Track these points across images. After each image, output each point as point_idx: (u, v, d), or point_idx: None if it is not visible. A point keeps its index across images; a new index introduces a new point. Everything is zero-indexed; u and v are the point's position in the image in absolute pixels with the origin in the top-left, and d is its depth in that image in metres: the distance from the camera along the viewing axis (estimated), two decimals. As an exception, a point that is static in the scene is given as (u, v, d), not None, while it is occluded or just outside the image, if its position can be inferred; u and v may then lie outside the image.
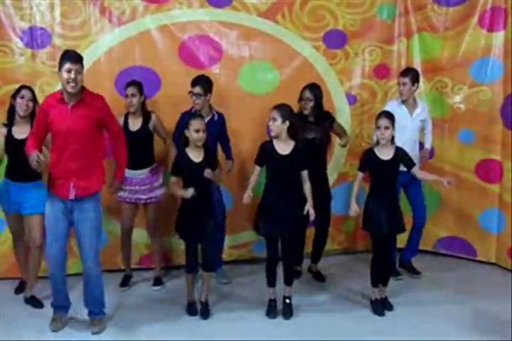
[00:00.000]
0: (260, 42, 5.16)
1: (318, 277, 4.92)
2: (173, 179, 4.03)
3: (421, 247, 5.14)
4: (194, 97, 4.48)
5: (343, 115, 5.40)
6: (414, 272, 4.97)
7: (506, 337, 3.70)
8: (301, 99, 4.65)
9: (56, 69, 4.57)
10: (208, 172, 3.95)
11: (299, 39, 5.25)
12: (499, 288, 4.71)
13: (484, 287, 4.75)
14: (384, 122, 4.06)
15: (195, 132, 3.92)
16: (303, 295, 4.48)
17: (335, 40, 5.35)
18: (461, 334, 3.79)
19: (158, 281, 4.73)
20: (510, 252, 5.09)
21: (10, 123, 4.17)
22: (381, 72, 5.54)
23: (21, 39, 4.64)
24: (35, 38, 4.64)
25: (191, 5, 4.97)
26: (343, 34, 5.37)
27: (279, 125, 3.91)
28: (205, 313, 4.09)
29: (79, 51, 4.57)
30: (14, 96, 4.13)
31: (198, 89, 4.48)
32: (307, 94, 4.63)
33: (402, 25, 5.54)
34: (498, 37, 5.15)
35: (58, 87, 4.50)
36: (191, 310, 4.14)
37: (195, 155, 3.99)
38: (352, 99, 5.48)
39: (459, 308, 4.24)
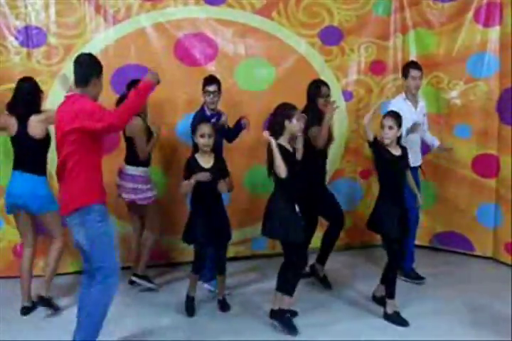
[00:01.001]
0: (256, 39, 5.17)
1: (325, 283, 4.65)
2: (185, 182, 3.89)
3: (418, 242, 5.14)
4: (212, 95, 4.38)
5: (340, 111, 5.38)
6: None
7: (506, 332, 3.70)
8: (321, 95, 4.44)
9: (52, 67, 4.67)
10: (221, 186, 3.94)
11: (295, 36, 5.26)
12: (497, 282, 4.72)
13: (482, 281, 4.77)
14: (388, 122, 3.90)
15: (201, 137, 3.89)
16: (304, 294, 4.43)
17: (331, 37, 5.37)
18: (460, 330, 3.79)
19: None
20: (508, 247, 5.10)
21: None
22: (377, 68, 5.56)
23: (16, 38, 4.64)
24: (30, 37, 4.63)
25: (186, 2, 4.97)
26: (339, 30, 5.38)
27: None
28: (227, 307, 4.17)
29: (74, 50, 4.65)
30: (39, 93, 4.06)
31: (214, 87, 4.39)
32: (326, 90, 4.49)
33: (398, 21, 5.57)
34: (494, 32, 5.16)
35: (54, 86, 4.54)
36: (189, 304, 4.11)
37: (205, 161, 3.95)
38: (348, 96, 5.49)
39: (457, 303, 4.25)
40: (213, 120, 4.35)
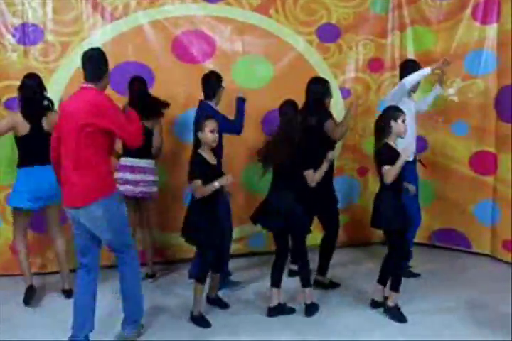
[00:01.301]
0: (253, 36, 5.17)
1: (333, 286, 4.56)
2: (199, 182, 3.67)
3: (416, 240, 5.13)
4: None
5: (338, 108, 5.40)
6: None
7: (505, 330, 3.68)
8: (329, 95, 4.44)
9: (49, 65, 4.66)
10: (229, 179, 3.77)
11: (293, 33, 5.27)
12: (495, 280, 4.73)
13: (480, 279, 4.77)
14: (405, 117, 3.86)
15: (211, 133, 3.76)
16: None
17: (328, 34, 5.38)
18: (458, 327, 3.79)
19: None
20: (506, 244, 5.10)
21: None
22: (375, 65, 5.57)
23: (13, 35, 4.62)
24: (27, 34, 4.63)
25: (184, 0, 4.97)
26: (337, 28, 5.39)
27: None
28: (224, 305, 4.11)
29: (71, 47, 4.65)
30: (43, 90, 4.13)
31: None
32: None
33: (396, 19, 5.59)
34: (492, 29, 5.16)
35: (51, 83, 4.54)
36: (201, 322, 3.85)
37: (211, 157, 3.83)
38: (346, 93, 5.49)
39: (455, 300, 4.24)
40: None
